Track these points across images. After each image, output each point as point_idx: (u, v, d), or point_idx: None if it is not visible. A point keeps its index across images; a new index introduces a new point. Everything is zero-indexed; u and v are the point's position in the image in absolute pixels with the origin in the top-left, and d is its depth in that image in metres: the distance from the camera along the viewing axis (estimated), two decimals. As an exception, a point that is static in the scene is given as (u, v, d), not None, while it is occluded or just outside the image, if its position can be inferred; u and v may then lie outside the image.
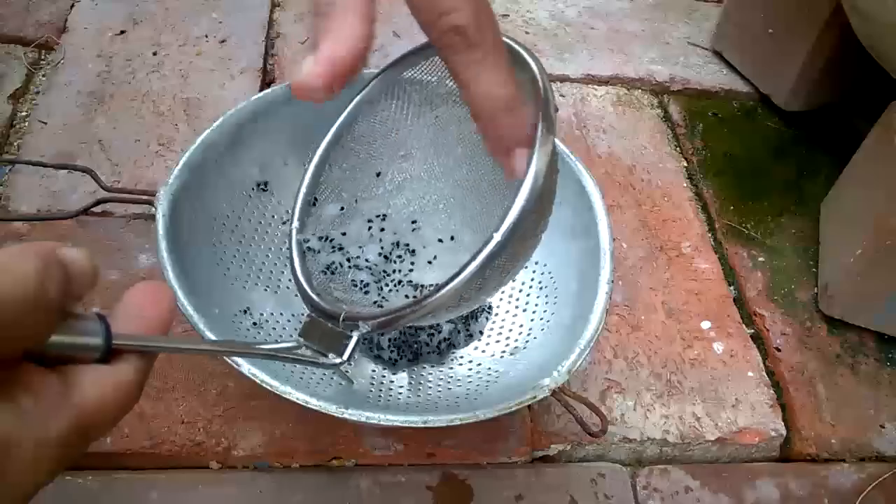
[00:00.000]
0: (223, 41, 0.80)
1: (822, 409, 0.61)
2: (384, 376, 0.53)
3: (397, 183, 0.47)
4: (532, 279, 0.57)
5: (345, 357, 0.32)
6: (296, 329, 0.53)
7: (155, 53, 0.77)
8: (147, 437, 0.50)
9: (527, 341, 0.54)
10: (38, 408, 0.20)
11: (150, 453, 0.50)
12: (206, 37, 0.81)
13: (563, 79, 0.86)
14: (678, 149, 0.81)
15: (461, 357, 0.55)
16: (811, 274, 0.71)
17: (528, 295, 0.57)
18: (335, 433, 0.53)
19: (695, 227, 0.73)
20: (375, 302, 0.51)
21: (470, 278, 0.30)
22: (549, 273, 0.56)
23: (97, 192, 0.55)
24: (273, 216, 0.57)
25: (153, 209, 0.48)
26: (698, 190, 0.77)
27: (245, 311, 0.52)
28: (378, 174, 0.46)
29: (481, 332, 0.56)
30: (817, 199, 0.77)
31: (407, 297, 0.52)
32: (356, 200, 0.45)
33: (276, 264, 0.56)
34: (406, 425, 0.42)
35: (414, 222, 0.53)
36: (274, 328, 0.52)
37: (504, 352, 0.54)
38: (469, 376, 0.53)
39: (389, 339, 0.53)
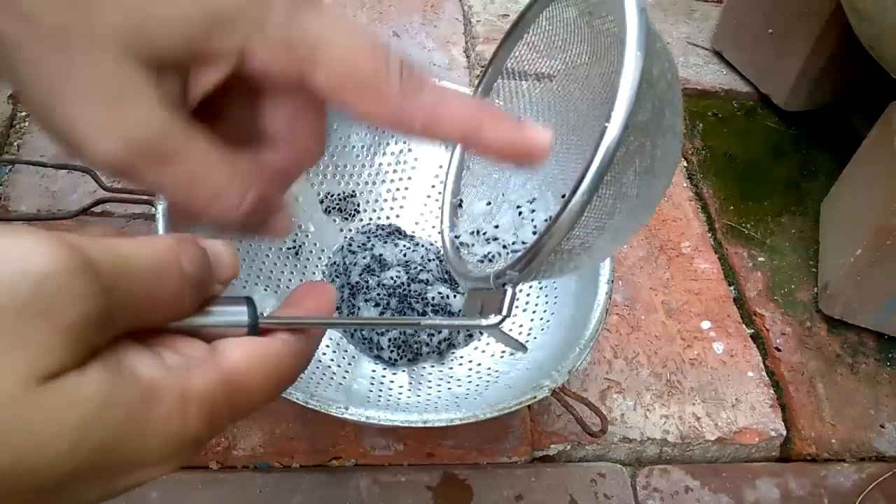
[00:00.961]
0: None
1: (822, 408, 0.62)
2: (384, 376, 0.53)
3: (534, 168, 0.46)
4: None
5: (504, 312, 0.31)
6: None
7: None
8: (147, 437, 0.50)
9: (526, 341, 0.54)
10: (182, 362, 0.20)
11: (150, 453, 0.50)
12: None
13: (563, 79, 0.86)
14: (678, 149, 0.81)
15: (461, 357, 0.55)
16: (811, 274, 0.71)
17: (528, 295, 0.57)
18: (335, 433, 0.53)
19: (695, 226, 0.73)
20: None
21: (596, 178, 0.27)
22: (550, 273, 0.56)
23: (97, 192, 0.55)
24: (273, 216, 0.57)
25: (153, 209, 0.48)
26: (698, 190, 0.77)
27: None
28: None
29: (481, 332, 0.56)
30: (817, 199, 0.77)
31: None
32: (503, 193, 0.45)
33: (275, 264, 0.56)
34: (406, 425, 0.42)
35: (563, 196, 0.51)
36: (274, 328, 0.52)
37: (504, 352, 0.54)
38: (469, 376, 0.53)
39: (389, 339, 0.53)
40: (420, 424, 0.42)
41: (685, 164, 0.80)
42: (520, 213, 0.50)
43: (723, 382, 0.61)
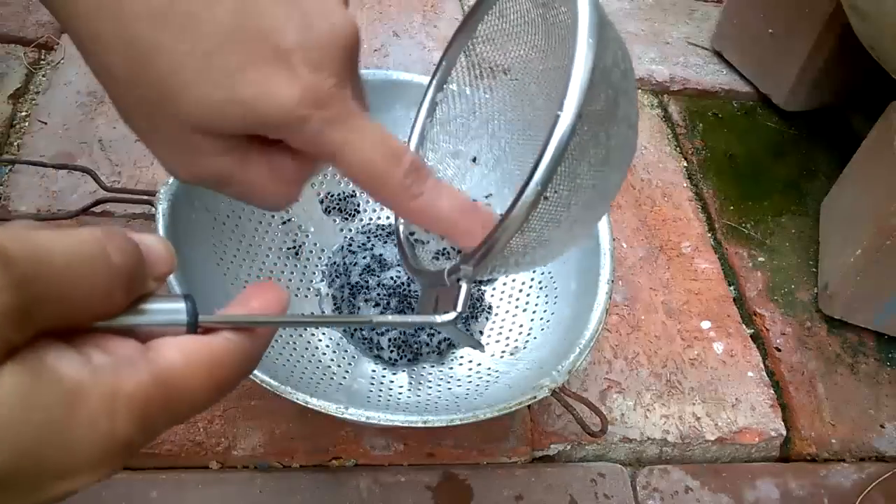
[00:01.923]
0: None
1: (822, 408, 0.62)
2: (384, 376, 0.53)
3: (492, 163, 0.45)
4: (532, 279, 0.57)
5: (458, 308, 0.31)
6: (296, 328, 0.53)
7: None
8: (147, 437, 0.50)
9: (527, 341, 0.54)
10: (111, 362, 0.19)
11: (150, 453, 0.50)
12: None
13: (563, 79, 0.86)
14: (678, 149, 0.81)
15: (461, 357, 0.55)
16: (811, 274, 0.71)
17: (528, 295, 0.57)
18: (335, 433, 0.53)
19: (695, 226, 0.73)
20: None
21: (549, 168, 0.26)
22: (549, 273, 0.56)
23: (97, 192, 0.55)
24: (273, 216, 0.57)
25: (153, 209, 0.48)
26: (698, 190, 0.77)
27: (245, 311, 0.52)
28: (474, 159, 0.44)
29: (481, 332, 0.56)
30: (817, 199, 0.77)
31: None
32: (460, 189, 0.43)
33: (275, 264, 0.56)
34: (406, 425, 0.42)
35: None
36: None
37: (504, 352, 0.54)
38: (469, 376, 0.53)
39: (389, 339, 0.53)
40: (420, 424, 0.42)
41: (685, 163, 0.80)
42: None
43: (723, 382, 0.61)
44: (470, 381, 0.52)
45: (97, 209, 0.55)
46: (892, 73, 0.62)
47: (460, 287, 0.31)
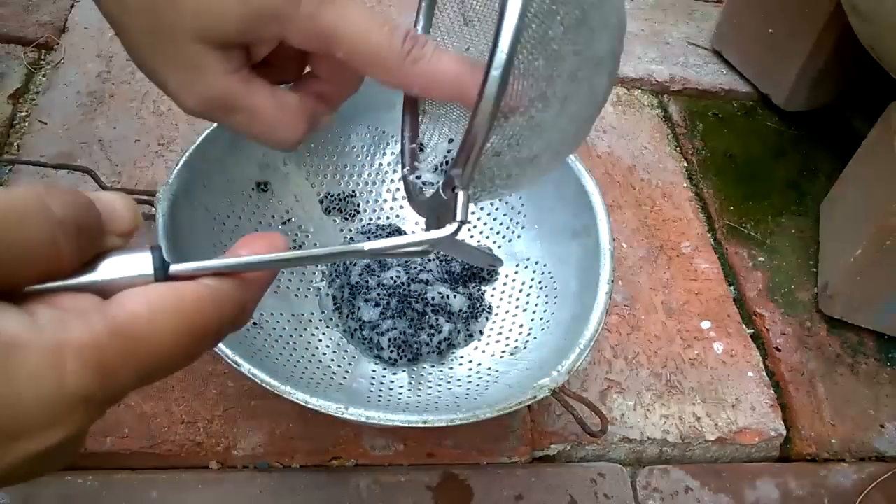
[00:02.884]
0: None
1: (822, 408, 0.62)
2: (384, 376, 0.53)
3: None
4: (532, 279, 0.57)
5: (458, 216, 0.28)
6: (296, 329, 0.53)
7: (155, 53, 0.77)
8: (147, 437, 0.50)
9: (527, 341, 0.54)
10: (57, 315, 0.18)
11: (150, 453, 0.50)
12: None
13: (563, 79, 0.86)
14: (678, 149, 0.81)
15: (461, 357, 0.55)
16: (811, 274, 0.71)
17: (528, 295, 0.57)
18: (335, 433, 0.53)
19: (695, 226, 0.73)
20: None
21: (509, 24, 0.23)
22: (549, 273, 0.56)
23: (97, 192, 0.55)
24: (273, 216, 0.57)
25: (153, 209, 0.48)
26: (698, 190, 0.77)
27: (245, 311, 0.52)
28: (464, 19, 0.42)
29: (481, 332, 0.56)
30: (817, 199, 0.77)
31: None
32: (465, 127, 0.42)
33: (276, 264, 0.56)
34: (406, 425, 0.42)
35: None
36: (274, 328, 0.52)
37: (504, 352, 0.54)
38: (469, 376, 0.53)
39: (389, 340, 0.53)
40: (420, 424, 0.42)
41: (685, 164, 0.80)
42: None
43: (723, 382, 0.61)
44: (470, 381, 0.52)
45: (97, 209, 0.55)
46: (892, 73, 0.62)
47: (457, 196, 0.28)
